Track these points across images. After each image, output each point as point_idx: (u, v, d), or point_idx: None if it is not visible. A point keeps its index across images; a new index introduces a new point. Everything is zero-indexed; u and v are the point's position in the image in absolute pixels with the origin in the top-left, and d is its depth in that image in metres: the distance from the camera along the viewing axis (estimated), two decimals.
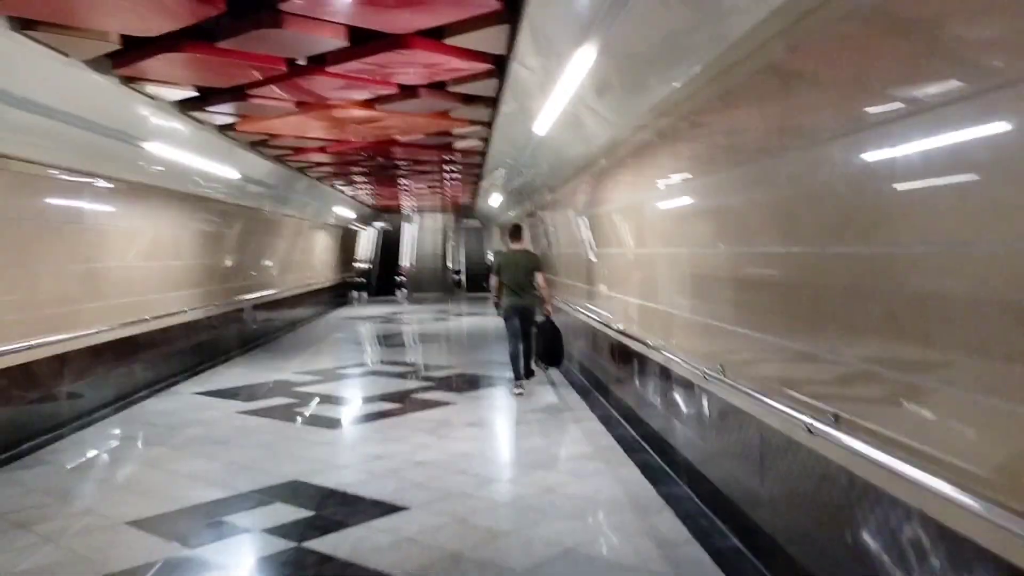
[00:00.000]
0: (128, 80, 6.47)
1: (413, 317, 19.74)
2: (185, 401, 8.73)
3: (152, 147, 7.98)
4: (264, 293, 15.05)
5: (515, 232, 9.41)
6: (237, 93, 7.05)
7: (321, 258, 21.94)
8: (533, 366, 9.26)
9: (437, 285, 29.15)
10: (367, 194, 21.15)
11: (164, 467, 5.97)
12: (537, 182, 12.23)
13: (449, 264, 29.71)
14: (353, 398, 8.65)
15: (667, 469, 5.46)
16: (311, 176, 14.36)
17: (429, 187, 18.91)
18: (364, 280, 28.52)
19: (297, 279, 18.17)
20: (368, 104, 7.73)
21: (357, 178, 16.09)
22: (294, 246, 17.86)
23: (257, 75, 6.50)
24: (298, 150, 11.01)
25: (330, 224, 22.10)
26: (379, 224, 29.80)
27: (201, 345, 11.26)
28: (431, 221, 31.86)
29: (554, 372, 10.06)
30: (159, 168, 8.84)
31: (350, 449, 6.37)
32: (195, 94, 7.04)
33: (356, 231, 28.02)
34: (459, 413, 7.68)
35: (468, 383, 9.57)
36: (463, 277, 29.20)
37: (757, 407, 3.68)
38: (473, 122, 8.95)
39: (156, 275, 9.85)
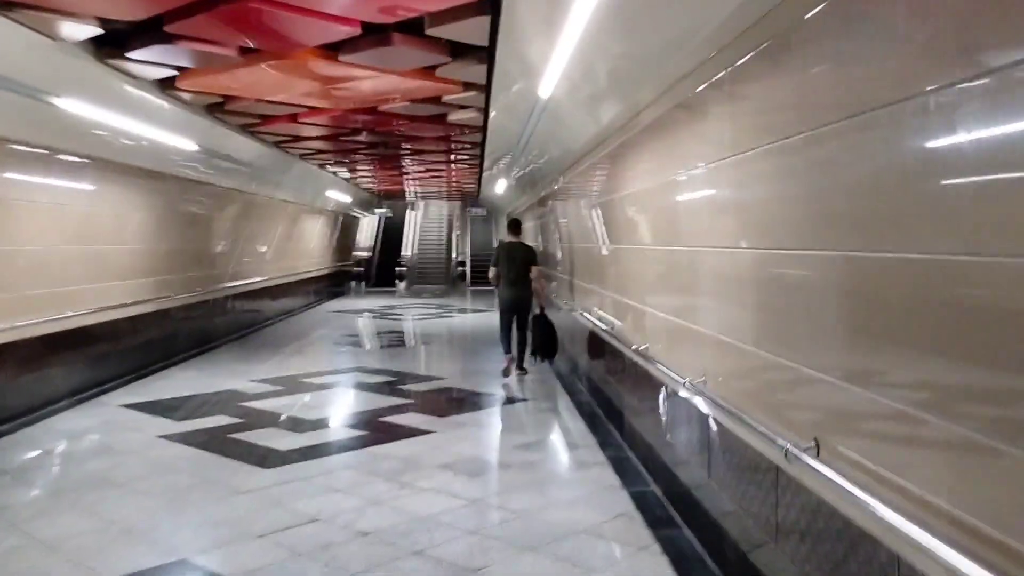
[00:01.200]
0: (8, 6, 4.90)
1: (409, 312, 18.17)
2: (106, 417, 7.18)
3: (68, 104, 6.43)
4: (240, 283, 13.51)
5: (514, 226, 9.82)
6: (155, 32, 5.46)
7: (314, 245, 20.40)
8: (526, 362, 9.36)
9: (440, 276, 27.57)
10: (367, 178, 19.59)
11: (19, 528, 4.40)
12: (545, 164, 10.62)
13: (453, 255, 28.12)
14: (307, 421, 7.06)
15: (713, 568, 3.83)
16: (292, 153, 12.78)
17: (432, 172, 17.32)
18: (363, 270, 26.97)
19: (283, 267, 16.63)
20: (328, 55, 6.13)
21: (355, 160, 14.51)
22: (279, 231, 16.31)
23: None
24: (266, 119, 9.42)
25: (325, 209, 20.54)
26: (380, 211, 28.23)
27: (150, 344, 9.72)
28: (435, 209, 30.29)
29: (562, 394, 8.45)
30: (86, 133, 7.28)
31: (278, 504, 4.78)
32: (100, 31, 5.45)
33: (357, 218, 26.46)
34: (434, 449, 6.07)
35: (454, 403, 7.97)
36: (467, 269, 27.61)
37: (895, 527, 2.05)
38: (467, 85, 7.36)
39: (89, 261, 8.30)
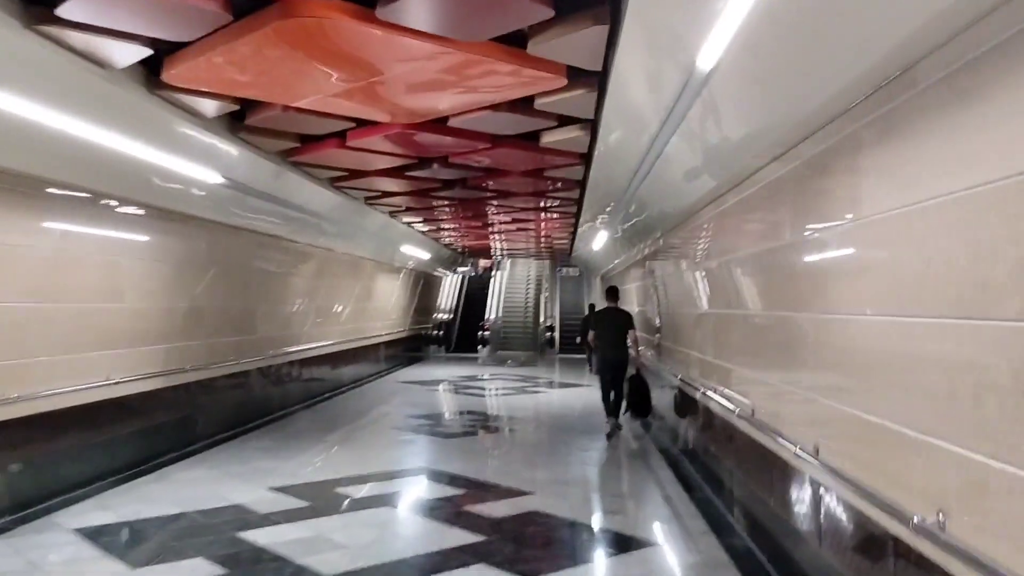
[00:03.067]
0: None
1: (491, 384, 15.69)
2: (36, 556, 4.90)
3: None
4: (292, 349, 11.39)
5: (611, 293, 10.31)
6: None
7: (386, 306, 18.33)
8: (620, 418, 9.66)
9: (526, 342, 25.09)
10: (448, 231, 17.52)
11: None
12: (653, 219, 8.39)
13: (541, 319, 25.65)
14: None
15: None
16: (356, 198, 10.72)
17: (520, 225, 15.04)
18: (442, 333, 24.80)
19: (345, 331, 14.51)
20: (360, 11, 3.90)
21: (432, 207, 12.37)
22: (341, 289, 14.25)
23: None
24: (306, 143, 7.32)
25: (400, 266, 18.52)
26: (463, 270, 26.16)
27: (147, 433, 7.55)
28: (523, 268, 28.05)
29: (707, 534, 5.73)
30: (37, 149, 5.24)
31: None
32: None
33: (437, 277, 24.45)
34: None
35: (544, 544, 5.36)
36: (556, 334, 25.05)
37: None
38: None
39: (60, 323, 6.21)
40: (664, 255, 9.63)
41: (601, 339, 9.82)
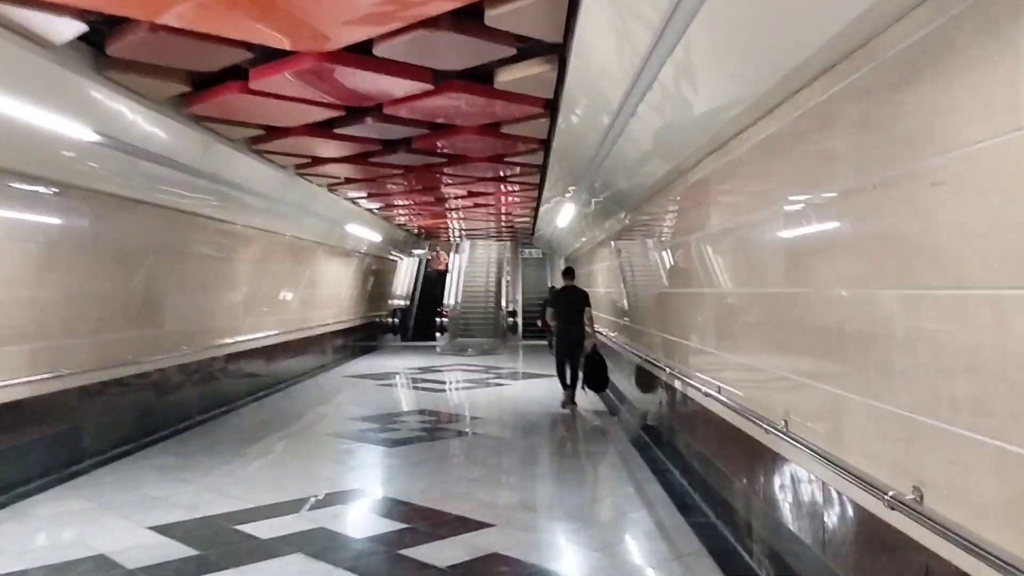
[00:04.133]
0: None
1: (449, 376, 14.27)
2: None
3: None
4: (211, 343, 9.84)
5: (568, 272, 11.10)
6: None
7: (336, 293, 16.77)
8: (579, 390, 10.21)
9: (487, 329, 23.69)
10: (401, 211, 15.99)
11: None
12: (619, 193, 7.87)
13: (503, 303, 24.26)
14: None
15: None
16: (283, 166, 9.19)
17: (477, 200, 13.57)
18: (398, 320, 23.28)
19: (286, 321, 12.96)
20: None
21: (381, 183, 10.88)
22: (281, 274, 12.68)
23: None
24: (206, 89, 5.81)
25: (352, 250, 16.95)
26: (420, 253, 24.62)
27: (7, 456, 6.00)
28: (483, 251, 26.60)
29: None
30: None
31: None
32: None
33: (393, 261, 22.88)
34: None
35: None
36: (519, 319, 23.70)
37: None
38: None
39: None
40: (632, 233, 8.91)
41: (558, 317, 10.36)
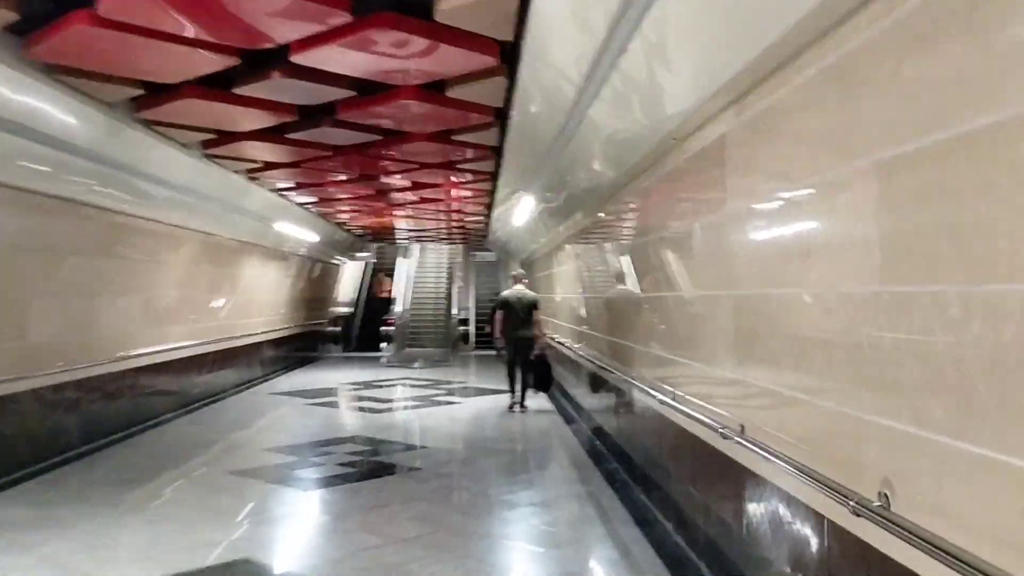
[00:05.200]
0: None
1: (390, 394, 12.69)
2: None
3: None
4: (100, 358, 8.15)
5: (519, 276, 11.46)
6: None
7: (268, 299, 15.05)
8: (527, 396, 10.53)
9: (437, 338, 22.10)
10: (341, 208, 14.39)
11: None
12: (579, 190, 7.19)
13: (454, 311, 22.72)
14: None
15: None
16: (187, 144, 7.60)
17: (424, 194, 12.08)
18: (340, 329, 21.56)
19: (203, 330, 11.25)
20: None
21: (308, 170, 9.34)
22: (195, 277, 10.96)
23: None
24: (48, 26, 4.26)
25: (289, 252, 15.25)
26: (364, 256, 22.94)
27: None
28: (433, 255, 25.02)
29: None
30: None
31: None
32: None
33: (336, 266, 21.17)
34: None
35: None
36: (471, 328, 22.18)
37: None
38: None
39: None
40: (593, 234, 8.21)
41: (508, 320, 10.45)
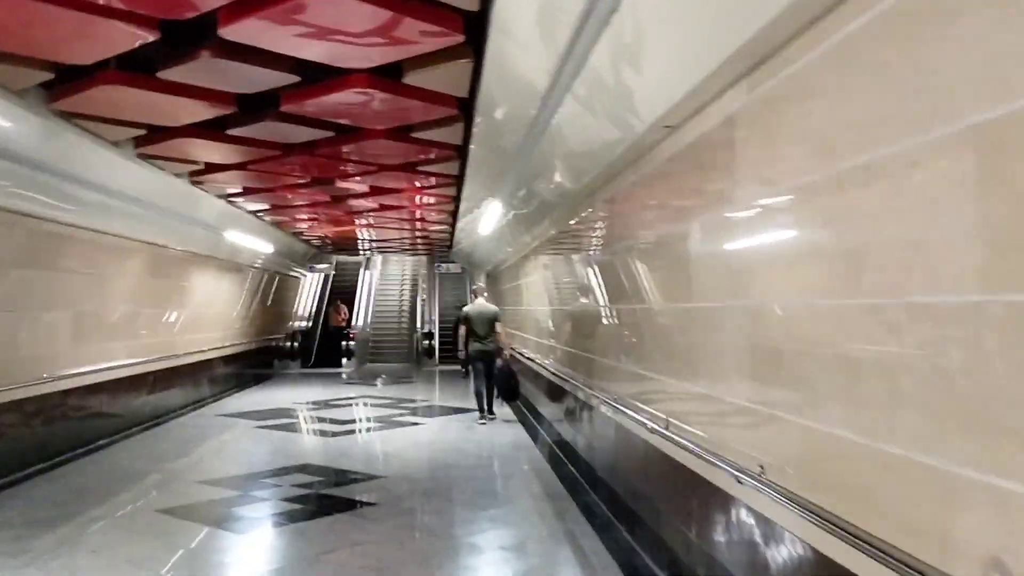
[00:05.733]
0: None
1: (346, 414, 11.88)
2: None
3: None
4: (20, 380, 7.28)
5: (479, 290, 12.74)
6: None
7: (219, 313, 14.16)
8: (495, 406, 10.85)
9: (400, 353, 21.35)
10: (299, 217, 13.61)
11: None
12: (549, 194, 6.82)
13: (418, 324, 21.92)
14: None
15: None
16: (115, 141, 6.82)
17: (383, 200, 11.37)
18: (297, 344, 20.63)
19: (142, 347, 10.35)
20: None
21: (255, 172, 8.60)
22: (135, 289, 10.06)
23: None
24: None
25: (244, 264, 14.37)
26: (324, 268, 22.05)
27: None
28: (396, 266, 24.28)
29: None
30: None
31: None
32: None
33: (294, 278, 20.27)
34: None
35: None
36: (436, 341, 21.40)
37: None
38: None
39: None
40: (563, 243, 7.76)
41: (472, 333, 10.72)
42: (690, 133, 3.53)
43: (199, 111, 5.88)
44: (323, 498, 6.71)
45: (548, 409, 9.21)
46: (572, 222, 6.96)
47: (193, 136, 6.65)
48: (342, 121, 6.35)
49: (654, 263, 4.70)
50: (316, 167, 8.39)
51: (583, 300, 7.10)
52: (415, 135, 6.74)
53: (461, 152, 7.45)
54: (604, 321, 6.33)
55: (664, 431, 4.16)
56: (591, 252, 6.74)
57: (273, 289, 18.01)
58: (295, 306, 21.54)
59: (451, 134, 6.70)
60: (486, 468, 7.88)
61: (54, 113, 5.81)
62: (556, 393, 8.44)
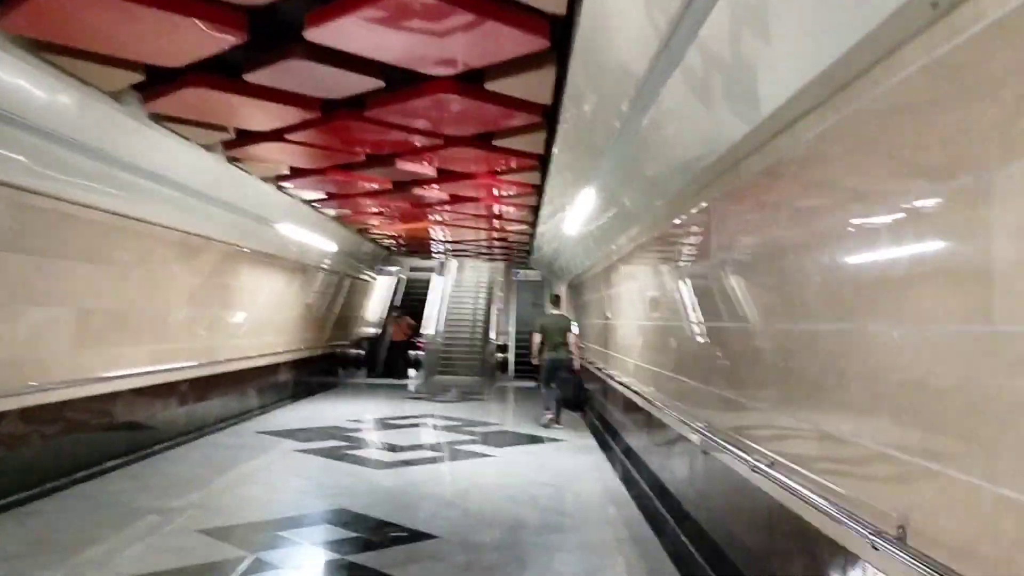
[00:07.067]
0: None
1: (400, 438, 10.20)
2: None
3: None
4: (11, 390, 5.88)
5: (555, 300, 12.42)
6: None
7: (274, 316, 12.78)
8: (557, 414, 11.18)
9: (472, 365, 19.67)
10: (376, 218, 12.21)
11: None
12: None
13: (492, 335, 20.25)
14: None
15: None
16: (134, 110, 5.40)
17: (457, 191, 9.76)
18: (364, 352, 19.25)
19: (170, 352, 8.95)
20: None
21: (357, 188, 7.30)
22: (157, 284, 8.64)
23: None
24: None
25: (298, 261, 13.00)
26: (393, 270, 20.63)
27: None
28: (471, 272, 22.69)
29: None
30: None
31: None
32: None
33: (364, 281, 18.91)
34: None
35: None
36: (511, 355, 19.67)
37: None
38: None
39: None
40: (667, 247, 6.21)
41: (545, 343, 11.06)
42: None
43: (282, 115, 4.84)
44: (345, 570, 4.98)
45: (657, 460, 7.31)
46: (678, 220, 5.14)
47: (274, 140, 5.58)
48: (424, 127, 5.18)
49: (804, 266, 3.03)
50: (395, 175, 7.00)
51: (711, 317, 5.21)
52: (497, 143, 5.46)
53: (543, 161, 6.23)
54: (743, 346, 4.45)
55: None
56: (731, 257, 4.90)
57: (340, 292, 16.64)
58: (363, 311, 20.20)
59: (533, 142, 5.54)
60: (571, 528, 6.03)
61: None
62: (663, 438, 6.54)
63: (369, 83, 4.93)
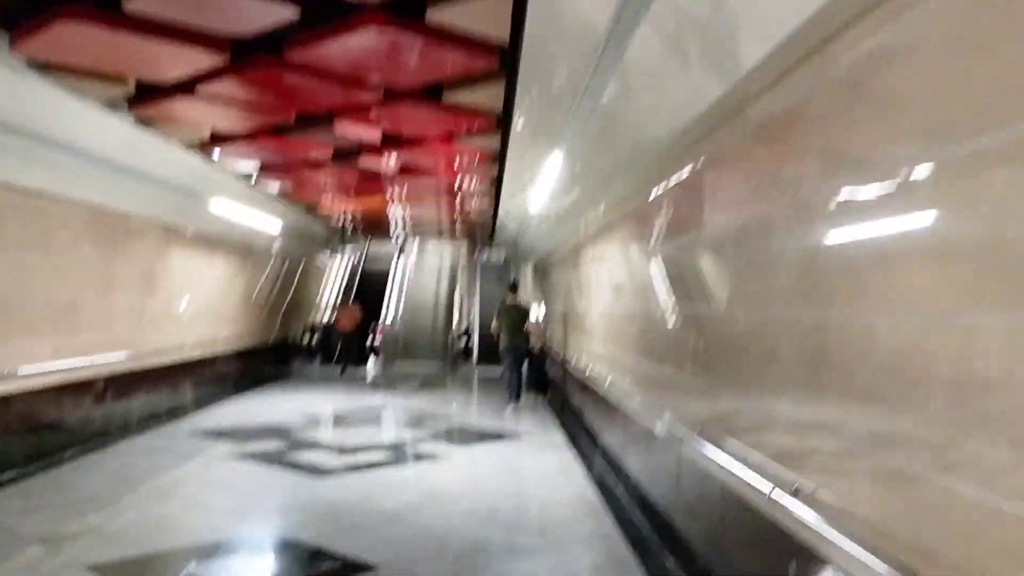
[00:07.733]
0: None
1: (350, 438, 9.21)
2: None
3: None
4: None
5: (513, 287, 12.58)
6: None
7: (207, 302, 11.64)
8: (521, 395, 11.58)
9: (434, 352, 18.66)
10: (324, 195, 11.12)
11: None
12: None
13: (455, 320, 19.25)
14: None
15: None
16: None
17: (407, 160, 8.73)
18: (318, 340, 18.13)
19: (85, 344, 7.84)
20: None
21: (295, 156, 6.22)
22: (63, 268, 7.52)
23: None
24: None
25: (245, 243, 11.87)
26: (350, 254, 19.50)
27: None
28: (433, 255, 21.62)
29: None
30: None
31: None
32: None
33: (316, 265, 17.73)
34: None
35: None
36: (474, 340, 18.71)
37: None
38: None
39: None
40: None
41: (504, 329, 11.56)
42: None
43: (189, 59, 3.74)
44: None
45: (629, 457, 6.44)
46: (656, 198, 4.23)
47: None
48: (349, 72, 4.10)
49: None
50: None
51: (698, 301, 4.32)
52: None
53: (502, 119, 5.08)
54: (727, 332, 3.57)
55: None
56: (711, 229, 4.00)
57: (291, 277, 15.51)
58: (318, 297, 19.06)
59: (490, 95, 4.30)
60: (540, 551, 5.12)
61: None
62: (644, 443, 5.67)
63: (279, 11, 3.96)
